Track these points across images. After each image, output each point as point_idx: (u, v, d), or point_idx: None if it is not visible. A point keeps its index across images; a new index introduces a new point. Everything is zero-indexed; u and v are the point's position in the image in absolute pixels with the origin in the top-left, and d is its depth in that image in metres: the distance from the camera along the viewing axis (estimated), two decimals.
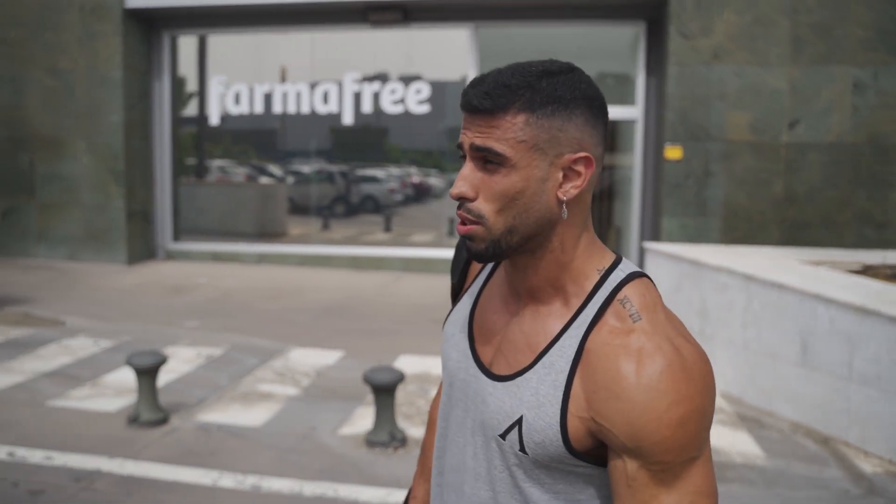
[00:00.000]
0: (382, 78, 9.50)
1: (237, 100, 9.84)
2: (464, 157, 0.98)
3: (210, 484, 3.48)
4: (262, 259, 9.88)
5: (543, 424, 0.95)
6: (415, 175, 9.98)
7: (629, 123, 9.29)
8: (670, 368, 0.90)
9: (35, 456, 3.72)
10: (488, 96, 0.93)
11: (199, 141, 10.37)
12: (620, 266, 1.01)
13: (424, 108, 9.43)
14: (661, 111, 8.56)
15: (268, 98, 9.81)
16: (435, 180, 9.94)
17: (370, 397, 4.55)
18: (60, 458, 3.72)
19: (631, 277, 0.99)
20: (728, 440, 4.16)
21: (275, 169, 10.34)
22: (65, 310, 7.02)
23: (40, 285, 8.15)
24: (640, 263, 8.21)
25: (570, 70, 0.98)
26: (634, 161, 9.16)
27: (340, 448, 3.93)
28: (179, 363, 5.34)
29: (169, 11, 9.54)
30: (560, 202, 0.96)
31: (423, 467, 1.33)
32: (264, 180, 10.51)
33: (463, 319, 1.14)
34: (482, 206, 0.96)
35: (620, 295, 0.97)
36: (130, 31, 9.45)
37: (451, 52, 9.41)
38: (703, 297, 5.14)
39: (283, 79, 9.79)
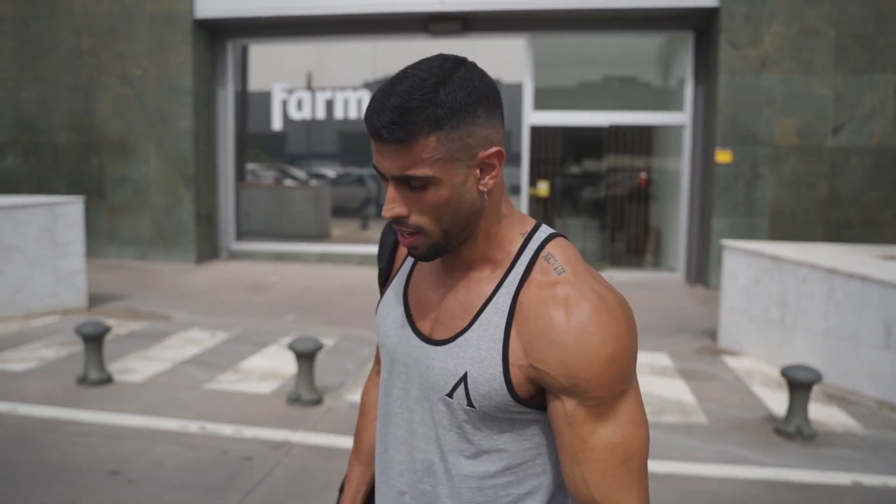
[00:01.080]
0: None
1: (299, 106, 10.37)
2: (383, 177, 1.03)
3: None
4: (322, 258, 10.40)
5: (487, 376, 1.03)
6: None
7: (677, 129, 9.86)
8: (596, 312, 0.99)
9: (225, 429, 4.25)
10: (396, 126, 0.95)
11: (259, 146, 10.89)
12: (541, 229, 1.11)
13: None
14: (710, 117, 9.14)
15: (329, 104, 10.34)
16: None
17: None
18: (248, 430, 4.25)
19: (551, 237, 1.09)
20: (824, 413, 4.72)
21: (328, 172, 10.87)
22: (163, 305, 7.53)
23: (124, 283, 8.65)
24: (719, 259, 8.79)
25: (459, 65, 1.01)
26: (682, 165, 9.74)
27: None
28: None
29: (234, 21, 10.06)
30: (482, 193, 1.04)
31: (358, 451, 1.40)
32: (313, 183, 11.02)
33: (397, 299, 1.20)
34: (418, 219, 1.02)
35: (544, 252, 1.07)
36: (198, 40, 9.97)
37: (508, 60, 9.97)
38: (784, 290, 5.71)
39: (344, 86, 10.32)
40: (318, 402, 4.71)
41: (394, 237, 1.28)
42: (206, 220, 10.33)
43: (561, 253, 1.06)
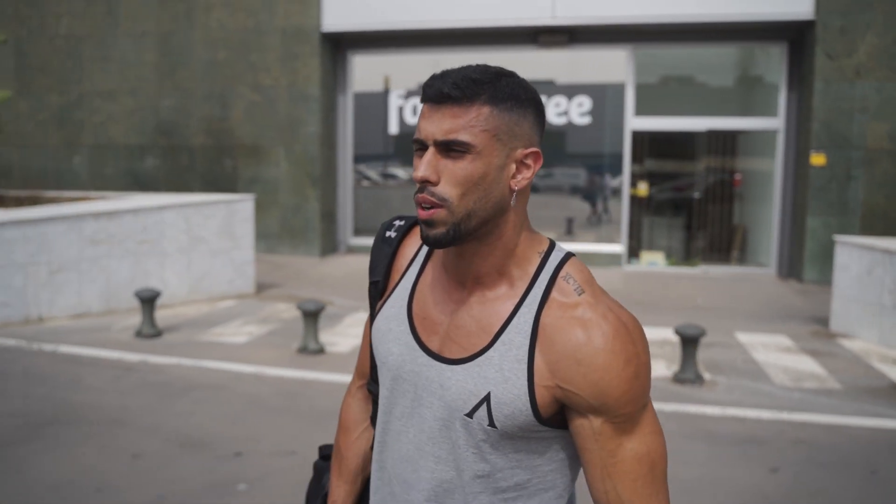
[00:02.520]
0: (548, 92, 11.00)
1: (414, 112, 11.40)
2: (421, 147, 1.06)
3: None
4: None
5: (512, 397, 1.05)
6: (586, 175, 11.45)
7: (768, 133, 10.67)
8: (617, 333, 1.04)
9: None
10: (458, 87, 1.02)
11: (373, 148, 11.96)
12: (556, 248, 1.14)
13: (586, 119, 10.91)
14: (804, 122, 9.95)
15: None
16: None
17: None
18: None
19: (568, 257, 1.13)
20: None
21: None
22: (316, 292, 8.59)
23: (269, 273, 9.74)
24: (813, 255, 9.60)
25: (516, 75, 1.09)
26: (776, 167, 10.54)
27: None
28: None
29: (356, 35, 11.13)
30: (511, 191, 1.07)
31: (341, 470, 1.36)
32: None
33: (400, 314, 1.19)
34: (446, 189, 1.03)
35: (563, 272, 1.10)
36: (324, 52, 11.05)
37: (610, 69, 10.87)
38: None
39: None
40: None
41: (389, 249, 1.27)
42: (328, 216, 11.41)
43: (579, 274, 1.11)
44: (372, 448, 1.29)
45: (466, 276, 1.12)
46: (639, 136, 10.94)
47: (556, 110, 10.92)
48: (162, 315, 7.07)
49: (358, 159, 11.93)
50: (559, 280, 1.09)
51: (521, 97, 1.06)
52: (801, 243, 9.90)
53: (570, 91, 10.93)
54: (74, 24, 11.80)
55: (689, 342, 5.39)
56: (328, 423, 4.25)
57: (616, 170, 11.01)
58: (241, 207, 8.22)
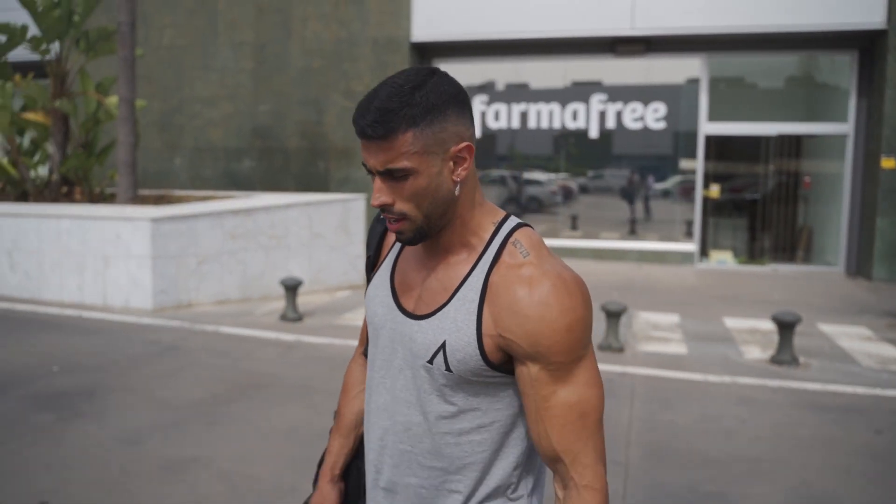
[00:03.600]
0: (624, 98, 11.73)
1: (496, 117, 12.21)
2: (371, 173, 1.23)
3: None
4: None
5: (463, 344, 1.23)
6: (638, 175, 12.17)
7: (837, 138, 11.28)
8: (555, 288, 1.20)
9: None
10: (378, 124, 1.16)
11: None
12: (510, 219, 1.32)
13: (661, 125, 11.63)
14: (875, 128, 10.55)
15: (523, 115, 12.15)
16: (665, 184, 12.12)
17: (737, 337, 6.75)
18: None
19: (519, 226, 1.30)
20: None
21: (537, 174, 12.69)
22: None
23: None
24: (882, 254, 10.22)
25: (432, 74, 1.21)
26: (845, 170, 11.15)
27: (746, 363, 6.13)
28: None
29: (443, 44, 11.97)
30: (455, 183, 1.24)
31: (339, 425, 1.57)
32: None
33: (384, 282, 1.40)
34: (401, 206, 1.22)
35: (512, 238, 1.27)
36: (413, 60, 11.90)
37: (684, 77, 11.57)
38: None
39: (537, 99, 12.12)
40: (621, 349, 6.44)
41: (381, 228, 1.49)
42: None
43: (526, 239, 1.27)
44: None
45: (436, 247, 1.31)
46: (714, 140, 11.62)
47: (633, 115, 11.64)
48: (272, 308, 7.96)
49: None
50: (508, 245, 1.26)
51: (437, 104, 1.18)
52: (871, 243, 10.49)
53: (646, 97, 11.65)
54: (177, 36, 12.82)
55: (786, 327, 6.11)
56: None
57: (685, 173, 11.70)
58: (354, 206, 9.10)
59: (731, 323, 7.58)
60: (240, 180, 12.67)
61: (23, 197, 10.14)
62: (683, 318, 7.81)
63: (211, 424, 4.56)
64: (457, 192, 1.24)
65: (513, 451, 1.30)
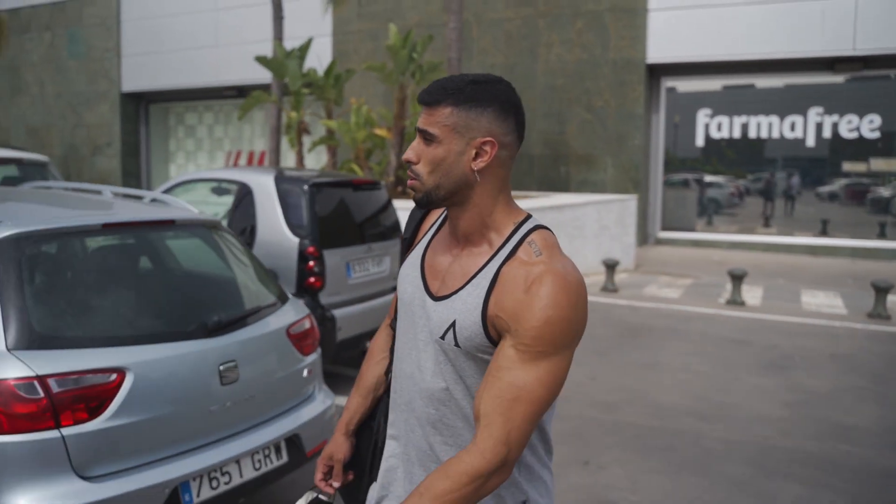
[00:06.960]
0: (840, 111, 13.59)
1: (719, 128, 14.31)
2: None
3: None
4: (733, 246, 14.26)
5: (470, 323, 1.47)
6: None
7: None
8: (554, 284, 1.39)
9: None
10: (430, 94, 1.47)
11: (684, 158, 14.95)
12: (530, 220, 1.53)
13: (875, 135, 13.42)
14: None
15: (744, 126, 14.19)
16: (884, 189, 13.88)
17: None
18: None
19: (537, 227, 1.52)
20: None
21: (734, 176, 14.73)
22: (671, 271, 11.61)
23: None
24: None
25: (497, 81, 1.48)
26: None
27: None
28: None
29: (673, 65, 14.15)
30: (472, 171, 1.47)
31: (359, 386, 1.84)
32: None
33: (417, 263, 1.64)
34: (420, 168, 1.49)
35: (529, 238, 1.48)
36: (647, 79, 14.14)
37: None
38: None
39: (757, 112, 14.14)
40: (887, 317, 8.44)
41: (419, 214, 1.76)
42: (641, 213, 14.48)
43: (541, 240, 1.49)
44: (386, 372, 1.79)
45: (459, 235, 1.56)
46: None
47: (848, 126, 13.50)
48: (593, 281, 10.34)
49: (668, 166, 14.99)
50: (524, 244, 1.49)
51: (481, 99, 1.46)
52: None
53: (862, 110, 13.46)
54: (431, 58, 15.49)
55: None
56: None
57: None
58: (629, 204, 11.44)
59: None
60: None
61: None
62: None
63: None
64: (475, 180, 1.48)
65: None
